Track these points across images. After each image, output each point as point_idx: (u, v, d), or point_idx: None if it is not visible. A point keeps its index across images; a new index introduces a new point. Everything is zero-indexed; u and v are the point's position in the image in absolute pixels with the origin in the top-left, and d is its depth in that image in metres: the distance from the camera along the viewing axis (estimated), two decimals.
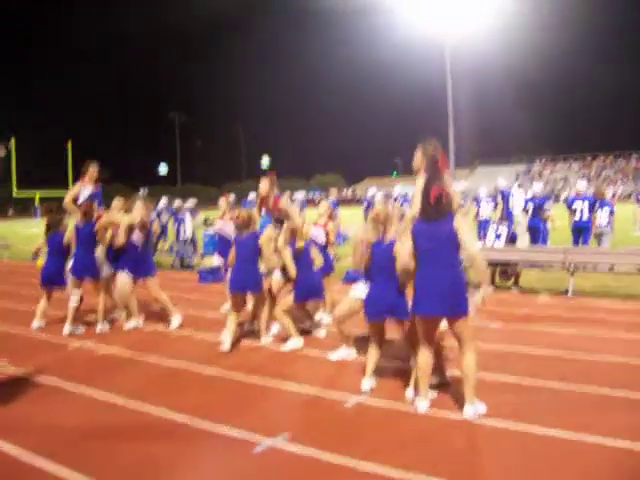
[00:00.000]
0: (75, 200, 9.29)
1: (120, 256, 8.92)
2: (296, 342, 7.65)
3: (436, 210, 5.19)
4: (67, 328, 8.72)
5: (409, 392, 5.70)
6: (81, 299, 8.86)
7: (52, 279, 9.05)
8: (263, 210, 8.81)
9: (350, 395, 5.80)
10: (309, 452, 4.59)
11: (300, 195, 21.74)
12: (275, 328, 8.31)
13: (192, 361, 7.14)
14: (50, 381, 6.58)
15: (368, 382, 5.99)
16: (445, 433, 4.97)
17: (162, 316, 9.30)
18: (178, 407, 5.61)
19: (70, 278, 8.90)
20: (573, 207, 13.41)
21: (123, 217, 8.96)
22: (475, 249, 5.30)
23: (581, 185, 14.14)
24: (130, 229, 8.77)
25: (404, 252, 5.48)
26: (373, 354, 6.13)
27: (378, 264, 5.92)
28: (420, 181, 5.65)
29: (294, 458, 4.54)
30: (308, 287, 7.72)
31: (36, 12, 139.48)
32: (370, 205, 16.07)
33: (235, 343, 7.81)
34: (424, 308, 5.26)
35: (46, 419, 5.53)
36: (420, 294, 5.28)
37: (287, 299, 7.76)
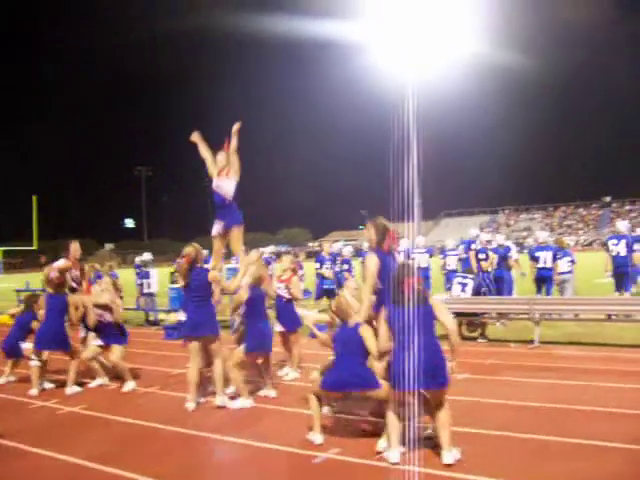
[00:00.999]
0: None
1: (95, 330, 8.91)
2: (244, 402, 7.42)
3: (410, 299, 5.36)
4: (33, 390, 8.51)
5: (381, 444, 5.67)
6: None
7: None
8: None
9: (318, 451, 5.73)
10: None
11: (268, 249, 21.70)
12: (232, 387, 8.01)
13: (157, 420, 7.00)
14: (11, 443, 6.40)
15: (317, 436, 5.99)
16: None
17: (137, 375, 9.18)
18: (141, 469, 5.49)
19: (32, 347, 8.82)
20: (536, 256, 13.61)
21: (89, 298, 8.96)
22: (453, 327, 5.71)
23: (542, 235, 14.39)
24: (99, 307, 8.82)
25: (383, 336, 5.68)
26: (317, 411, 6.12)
27: (344, 345, 5.99)
28: (373, 259, 6.01)
29: None
30: (259, 339, 7.61)
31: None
32: (331, 261, 15.89)
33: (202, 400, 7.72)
34: (406, 384, 5.33)
35: None
36: (400, 370, 5.37)
37: (237, 352, 7.62)
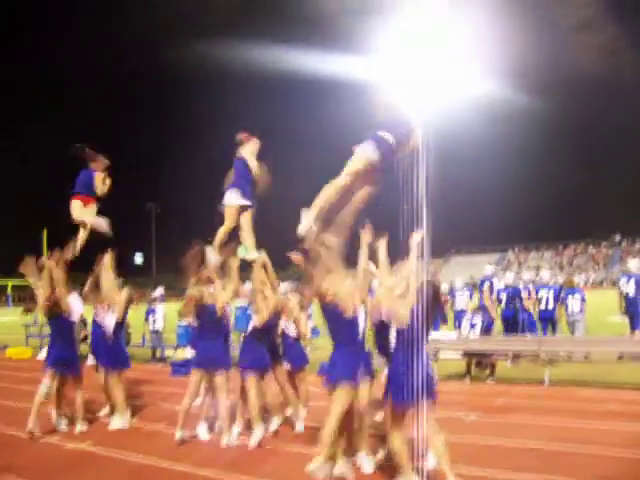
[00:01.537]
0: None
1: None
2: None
3: None
4: (29, 426, 8.10)
5: None
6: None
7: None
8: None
9: None
10: None
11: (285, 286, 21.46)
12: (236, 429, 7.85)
13: (163, 457, 6.94)
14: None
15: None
16: None
17: (134, 410, 9.11)
18: None
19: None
20: (538, 296, 13.51)
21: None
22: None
23: (545, 274, 14.30)
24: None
25: None
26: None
27: None
28: None
29: None
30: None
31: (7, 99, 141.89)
32: None
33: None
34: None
35: None
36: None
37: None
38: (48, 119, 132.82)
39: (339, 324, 5.95)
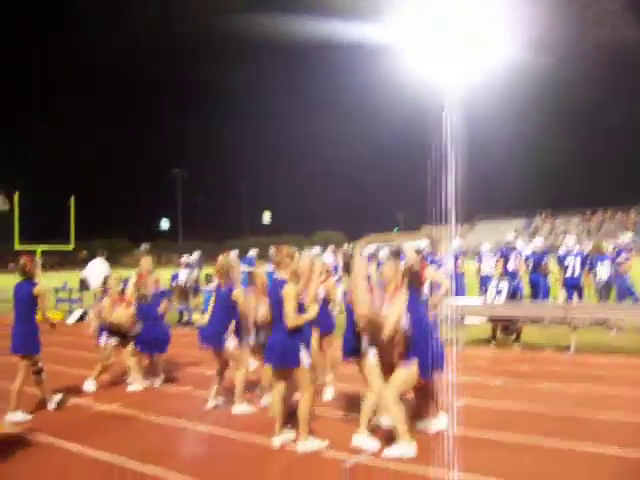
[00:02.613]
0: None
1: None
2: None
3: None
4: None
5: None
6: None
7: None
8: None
9: (349, 454, 5.70)
10: None
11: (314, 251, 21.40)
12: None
13: (189, 419, 7.04)
14: (44, 438, 6.49)
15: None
16: None
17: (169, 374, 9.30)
18: (172, 466, 5.52)
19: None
20: (565, 263, 13.39)
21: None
22: None
23: (570, 240, 14.11)
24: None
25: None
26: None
27: None
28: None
29: None
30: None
31: (39, 65, 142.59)
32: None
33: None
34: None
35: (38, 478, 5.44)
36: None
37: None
38: (80, 91, 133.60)
39: None
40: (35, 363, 7.49)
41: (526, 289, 14.48)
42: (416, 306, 5.99)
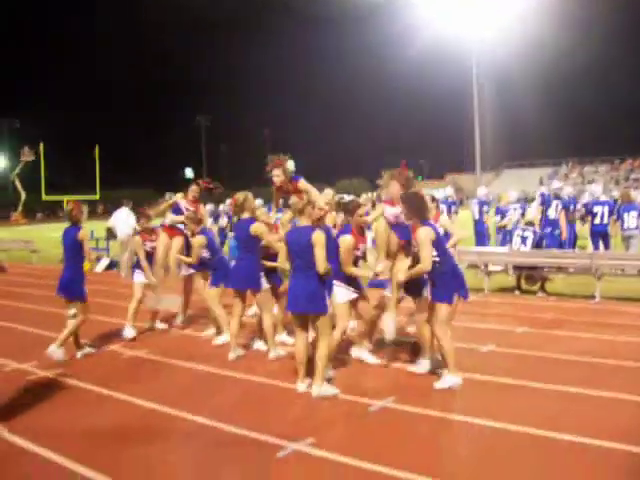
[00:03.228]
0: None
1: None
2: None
3: None
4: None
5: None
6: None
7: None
8: (280, 203, 8.54)
9: (374, 400, 5.79)
10: (334, 457, 4.60)
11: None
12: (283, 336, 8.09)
13: (223, 367, 7.14)
14: (78, 384, 6.67)
15: None
16: (471, 439, 4.96)
17: (194, 319, 9.42)
18: (203, 411, 5.65)
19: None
20: (594, 211, 13.28)
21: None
22: None
23: (596, 189, 13.93)
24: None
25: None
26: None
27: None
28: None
29: (319, 462, 4.56)
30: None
31: (65, 20, 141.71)
32: None
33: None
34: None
35: (73, 422, 5.60)
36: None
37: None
38: (105, 42, 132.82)
39: None
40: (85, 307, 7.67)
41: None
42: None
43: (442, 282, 6.03)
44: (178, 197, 9.62)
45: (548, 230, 13.58)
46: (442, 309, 6.00)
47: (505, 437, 4.90)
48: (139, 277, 8.91)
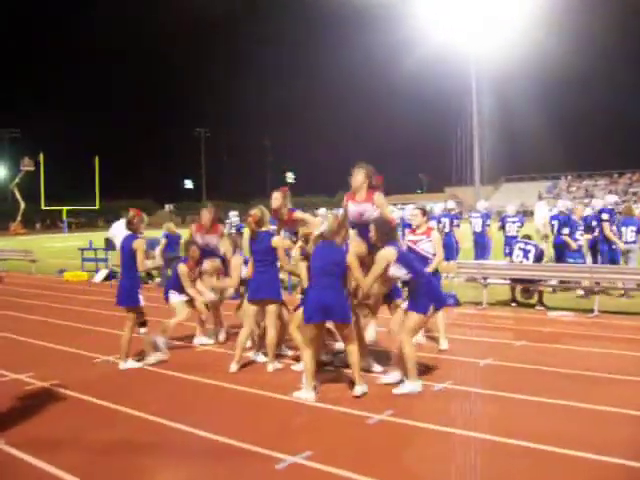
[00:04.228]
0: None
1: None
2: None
3: None
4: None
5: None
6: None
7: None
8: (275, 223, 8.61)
9: (372, 413, 5.77)
10: (331, 470, 4.58)
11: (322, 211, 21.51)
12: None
13: (225, 381, 7.09)
14: (75, 395, 6.64)
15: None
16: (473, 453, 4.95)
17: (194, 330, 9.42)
18: (201, 423, 5.64)
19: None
20: (593, 225, 13.29)
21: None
22: None
23: (598, 202, 13.95)
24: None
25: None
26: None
27: None
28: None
29: (317, 475, 4.54)
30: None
31: (65, 33, 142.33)
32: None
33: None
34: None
35: (69, 434, 5.58)
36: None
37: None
38: (104, 53, 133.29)
39: None
40: (140, 315, 7.75)
41: (550, 251, 14.42)
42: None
43: (417, 294, 6.36)
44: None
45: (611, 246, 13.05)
46: (414, 317, 6.31)
47: (503, 450, 4.89)
48: (175, 297, 8.75)
